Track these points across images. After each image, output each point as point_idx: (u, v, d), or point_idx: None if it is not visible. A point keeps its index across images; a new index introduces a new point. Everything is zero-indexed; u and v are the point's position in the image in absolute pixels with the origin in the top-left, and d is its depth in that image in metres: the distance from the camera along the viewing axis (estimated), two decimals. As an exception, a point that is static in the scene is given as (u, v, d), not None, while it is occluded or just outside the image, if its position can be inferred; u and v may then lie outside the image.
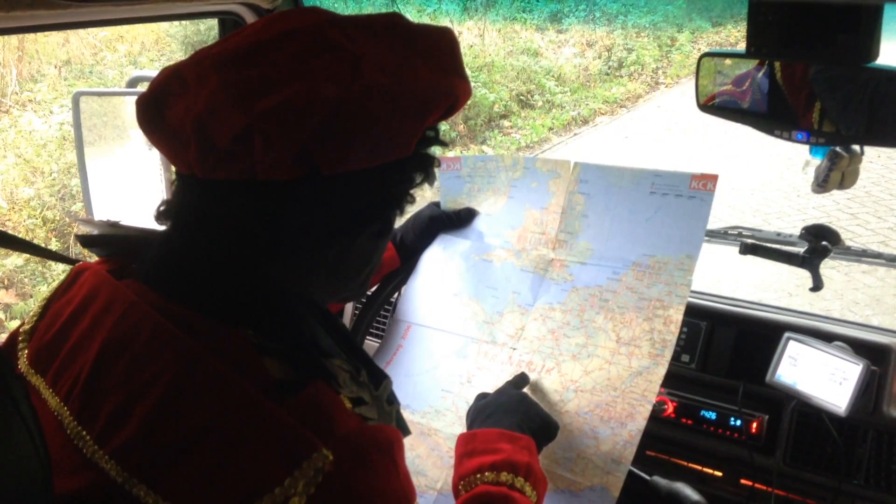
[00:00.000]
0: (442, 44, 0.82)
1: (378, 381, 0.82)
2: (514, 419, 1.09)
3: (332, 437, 0.71)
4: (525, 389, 1.23)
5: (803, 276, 1.54)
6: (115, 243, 0.92)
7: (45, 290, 0.94)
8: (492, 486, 0.98)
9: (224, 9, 1.42)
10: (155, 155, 1.49)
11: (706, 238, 1.28)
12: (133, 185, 1.44)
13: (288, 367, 0.75)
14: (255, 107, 0.71)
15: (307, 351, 0.77)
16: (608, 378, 1.21)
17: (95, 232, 0.94)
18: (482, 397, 1.19)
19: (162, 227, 0.86)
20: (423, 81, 0.78)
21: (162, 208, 0.85)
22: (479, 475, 1.00)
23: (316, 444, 0.69)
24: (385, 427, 0.78)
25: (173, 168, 0.84)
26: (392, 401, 0.84)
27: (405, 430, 0.86)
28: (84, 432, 0.73)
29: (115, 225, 0.94)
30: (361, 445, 0.73)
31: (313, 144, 0.72)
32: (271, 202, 0.76)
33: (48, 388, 0.79)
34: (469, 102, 7.66)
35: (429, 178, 0.86)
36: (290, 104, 0.71)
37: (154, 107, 0.78)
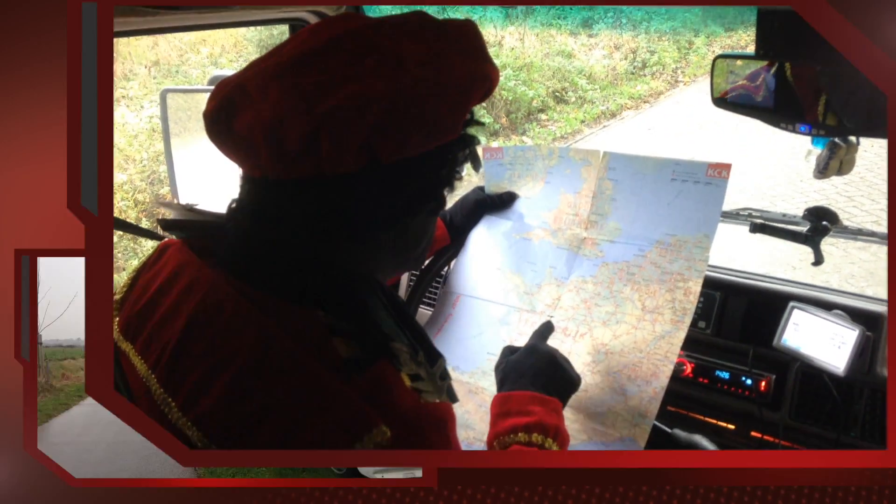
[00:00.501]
0: (468, 34, 0.83)
1: (434, 359, 0.83)
2: (542, 381, 1.10)
3: (391, 413, 0.73)
4: (557, 345, 1.22)
5: (806, 251, 1.59)
6: (192, 227, 0.92)
7: (135, 264, 1.04)
8: (524, 447, 1.01)
9: (294, 15, 1.53)
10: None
11: (720, 219, 1.31)
12: (214, 171, 1.45)
13: (355, 347, 0.76)
14: (317, 109, 0.73)
15: (373, 332, 0.79)
16: (634, 341, 1.26)
17: (174, 214, 0.94)
18: (510, 352, 1.18)
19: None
20: (459, 70, 0.79)
21: (233, 206, 0.86)
22: (512, 435, 1.02)
23: (376, 421, 0.71)
24: (440, 404, 0.80)
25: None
26: (445, 377, 0.85)
27: (454, 399, 0.87)
28: (170, 399, 0.76)
29: (192, 209, 0.94)
30: (418, 422, 0.76)
31: (374, 137, 0.74)
32: (339, 194, 0.78)
33: (137, 356, 0.82)
34: (510, 98, 7.67)
35: (472, 155, 0.88)
36: (348, 104, 0.73)
37: (221, 119, 0.79)
